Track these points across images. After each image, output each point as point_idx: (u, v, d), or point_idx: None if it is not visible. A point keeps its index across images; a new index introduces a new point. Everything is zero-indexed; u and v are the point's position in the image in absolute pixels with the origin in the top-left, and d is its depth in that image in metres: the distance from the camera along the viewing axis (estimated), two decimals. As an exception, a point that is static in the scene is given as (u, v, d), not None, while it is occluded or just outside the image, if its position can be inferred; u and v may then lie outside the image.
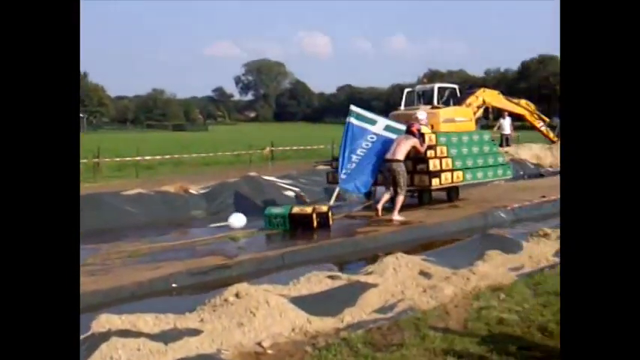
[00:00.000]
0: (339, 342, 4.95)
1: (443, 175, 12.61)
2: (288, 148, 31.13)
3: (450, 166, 12.85)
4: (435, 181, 12.45)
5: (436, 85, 24.64)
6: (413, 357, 4.62)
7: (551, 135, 26.80)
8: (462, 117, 23.61)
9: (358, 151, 11.94)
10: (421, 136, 12.37)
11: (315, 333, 5.25)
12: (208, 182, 14.94)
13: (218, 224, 11.31)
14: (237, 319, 5.14)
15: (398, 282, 6.52)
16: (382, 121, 12.47)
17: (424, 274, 6.95)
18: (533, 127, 27.36)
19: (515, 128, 30.00)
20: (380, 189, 12.71)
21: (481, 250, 8.03)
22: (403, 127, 12.31)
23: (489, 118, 27.53)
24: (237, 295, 5.41)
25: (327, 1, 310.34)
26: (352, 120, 12.10)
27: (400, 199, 11.51)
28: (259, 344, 4.93)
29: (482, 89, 26.29)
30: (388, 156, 11.62)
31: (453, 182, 12.95)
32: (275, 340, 5.01)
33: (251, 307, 5.26)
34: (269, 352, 4.85)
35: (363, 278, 6.50)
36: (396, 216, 11.34)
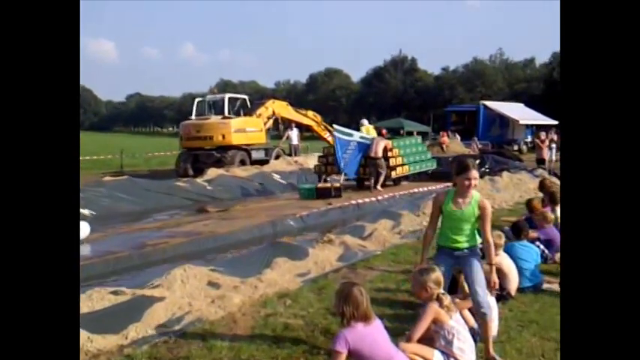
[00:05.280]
0: (122, 359, 4.75)
1: (398, 168, 18.74)
2: (72, 158, 29.36)
3: (402, 162, 18.98)
4: (393, 173, 18.44)
5: (227, 96, 24.86)
6: (199, 369, 4.58)
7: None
8: (253, 127, 24.13)
9: (347, 152, 17.40)
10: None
11: (96, 352, 4.98)
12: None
13: None
14: (8, 345, 4.72)
15: (185, 294, 6.42)
16: (357, 134, 18.19)
17: (213, 284, 6.91)
18: (320, 138, 28.52)
19: (303, 138, 31.07)
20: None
21: (269, 258, 8.17)
22: (371, 136, 18.54)
23: (280, 128, 28.27)
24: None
25: (108, 3, 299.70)
26: (337, 135, 17.62)
27: (381, 178, 17.47)
28: (33, 369, 4.57)
29: (271, 100, 26.95)
30: (372, 155, 17.37)
31: (403, 173, 19.06)
32: (51, 364, 4.68)
33: (24, 329, 4.85)
34: (44, 377, 4.51)
35: (149, 292, 6.29)
36: (379, 187, 17.29)
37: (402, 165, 19.08)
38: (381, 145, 17.56)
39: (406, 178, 19.61)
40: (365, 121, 20.60)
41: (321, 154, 20.36)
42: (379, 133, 18.81)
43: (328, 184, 16.88)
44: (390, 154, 18.30)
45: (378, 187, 17.33)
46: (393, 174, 18.52)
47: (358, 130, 19.44)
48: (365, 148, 17.68)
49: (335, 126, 18.58)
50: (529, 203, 9.66)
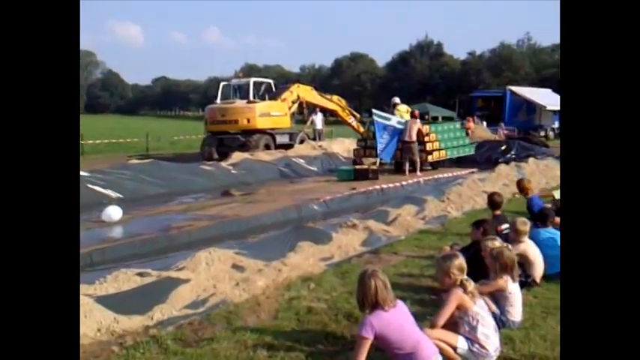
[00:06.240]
0: (147, 340, 4.81)
1: (434, 153, 18.90)
2: (99, 141, 29.71)
3: (438, 147, 19.11)
4: (429, 157, 18.68)
5: (252, 80, 24.84)
6: (223, 350, 4.62)
7: (362, 129, 27.98)
8: (277, 111, 24.13)
9: (384, 136, 17.72)
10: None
11: (122, 332, 5.06)
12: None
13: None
14: (37, 323, 4.80)
15: (210, 276, 6.47)
16: (394, 119, 18.36)
17: (237, 267, 6.96)
18: (344, 123, 28.41)
19: (327, 123, 30.96)
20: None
21: (293, 242, 8.20)
22: (404, 120, 18.47)
23: (304, 113, 28.20)
24: (36, 298, 5.04)
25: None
26: (376, 119, 17.92)
27: (417, 163, 17.70)
28: (61, 348, 4.64)
29: (296, 85, 26.85)
30: (405, 139, 17.65)
31: (439, 157, 19.20)
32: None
33: (52, 309, 4.93)
34: (72, 355, 4.59)
35: (174, 274, 6.35)
36: (419, 173, 17.53)
37: (439, 150, 19.25)
38: (415, 128, 17.78)
39: (443, 162, 19.81)
40: (397, 99, 20.45)
41: (360, 137, 21.13)
42: (412, 115, 18.93)
43: (366, 166, 17.45)
44: (426, 138, 18.57)
45: (418, 172, 17.59)
46: (430, 158, 18.76)
47: (392, 111, 19.41)
48: (400, 132, 17.93)
49: (374, 110, 18.87)
50: (519, 184, 9.88)
